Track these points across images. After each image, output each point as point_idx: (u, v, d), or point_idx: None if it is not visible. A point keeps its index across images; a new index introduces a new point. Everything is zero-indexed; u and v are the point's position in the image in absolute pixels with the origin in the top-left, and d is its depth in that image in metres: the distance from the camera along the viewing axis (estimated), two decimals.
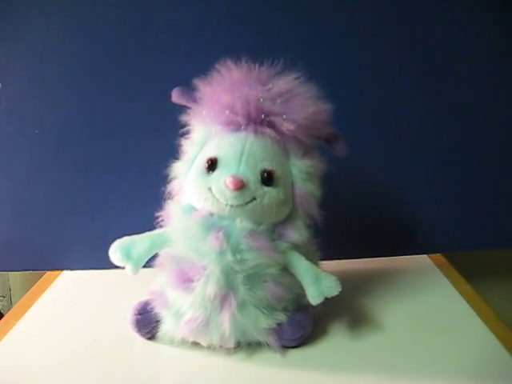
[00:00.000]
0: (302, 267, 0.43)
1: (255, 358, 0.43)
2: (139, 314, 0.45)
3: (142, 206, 0.61)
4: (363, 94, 0.61)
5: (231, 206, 0.40)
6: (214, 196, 0.40)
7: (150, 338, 0.46)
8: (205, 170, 0.41)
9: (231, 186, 0.38)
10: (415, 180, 0.64)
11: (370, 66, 0.60)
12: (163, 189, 0.45)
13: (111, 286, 0.58)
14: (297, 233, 0.42)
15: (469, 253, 0.67)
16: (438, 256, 0.65)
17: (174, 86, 0.45)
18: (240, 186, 0.38)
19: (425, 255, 0.65)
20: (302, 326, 0.44)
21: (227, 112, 0.40)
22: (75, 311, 0.53)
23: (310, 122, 0.41)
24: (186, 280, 0.40)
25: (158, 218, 0.45)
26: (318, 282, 0.42)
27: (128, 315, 0.45)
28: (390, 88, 0.61)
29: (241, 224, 0.40)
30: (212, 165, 0.41)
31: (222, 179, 0.39)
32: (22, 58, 0.59)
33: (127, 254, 0.43)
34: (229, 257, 0.38)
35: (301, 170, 0.42)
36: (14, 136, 0.60)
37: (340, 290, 0.43)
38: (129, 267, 0.43)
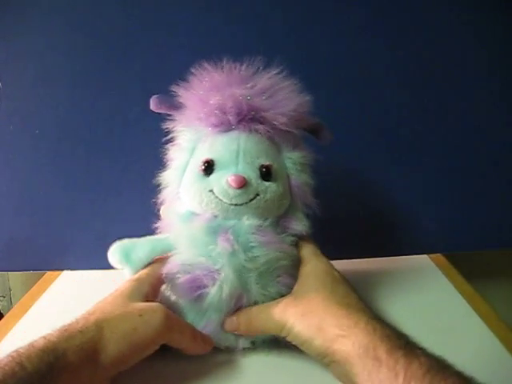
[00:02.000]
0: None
1: (272, 355, 0.43)
2: None
3: (142, 207, 0.61)
4: (362, 95, 0.61)
5: (235, 204, 0.40)
6: (216, 197, 0.40)
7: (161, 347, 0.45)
8: (201, 173, 0.41)
9: (234, 185, 0.38)
10: (415, 180, 0.64)
11: (370, 67, 0.60)
12: (157, 197, 0.45)
13: (111, 286, 0.57)
14: (300, 224, 0.43)
15: (469, 253, 0.67)
16: (438, 256, 0.65)
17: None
18: (243, 183, 0.39)
19: (425, 255, 0.65)
20: None
21: (217, 113, 0.40)
22: (75, 311, 0.53)
23: (297, 114, 0.42)
24: (199, 287, 0.39)
25: (156, 229, 0.44)
26: None
27: None
28: (389, 88, 0.61)
29: (248, 221, 0.40)
30: (209, 167, 0.41)
31: (224, 179, 0.39)
32: (22, 57, 0.59)
33: (126, 257, 0.42)
34: (241, 256, 0.38)
35: (294, 162, 0.43)
36: (14, 136, 0.60)
37: None
38: (127, 270, 0.43)
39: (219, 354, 0.43)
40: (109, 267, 0.43)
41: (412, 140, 0.63)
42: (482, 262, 0.72)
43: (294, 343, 0.38)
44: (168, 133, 0.44)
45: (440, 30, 0.60)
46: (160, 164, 0.45)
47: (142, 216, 0.60)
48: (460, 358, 0.43)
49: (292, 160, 0.43)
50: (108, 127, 0.61)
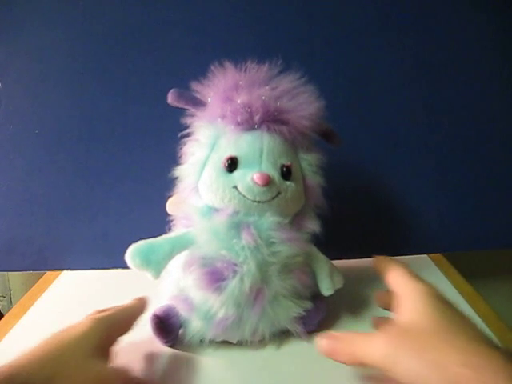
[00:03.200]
0: (320, 260, 0.46)
1: (284, 347, 0.45)
2: (163, 322, 0.44)
3: (141, 207, 0.62)
4: (365, 96, 0.61)
5: (258, 201, 0.41)
6: (240, 194, 0.41)
7: (171, 346, 0.45)
8: (225, 170, 0.41)
9: (259, 182, 0.39)
10: (415, 180, 0.64)
11: (371, 67, 0.60)
12: (163, 189, 0.45)
13: (111, 286, 0.58)
14: (313, 222, 0.45)
15: (469, 253, 0.67)
16: (438, 256, 0.65)
17: (176, 87, 0.44)
18: (268, 181, 0.40)
19: (425, 255, 0.65)
20: (322, 309, 0.47)
21: (243, 111, 0.41)
22: (75, 311, 0.53)
23: (316, 118, 0.43)
24: (218, 279, 0.40)
25: (170, 222, 0.45)
26: (332, 274, 0.46)
27: (148, 324, 0.44)
28: (391, 89, 0.61)
29: (269, 218, 0.41)
30: (232, 164, 0.41)
31: (249, 176, 0.40)
32: (22, 58, 0.59)
33: (147, 260, 0.41)
34: (264, 250, 0.40)
35: (310, 164, 0.44)
36: (14, 136, 0.60)
37: (343, 282, 0.47)
38: (149, 273, 0.41)
39: (231, 348, 0.44)
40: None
41: (412, 140, 0.63)
42: (482, 261, 0.72)
43: (402, 381, 0.30)
44: (175, 129, 0.44)
45: (445, 32, 0.60)
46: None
47: (142, 216, 0.60)
48: None
49: (308, 161, 0.44)
50: (108, 127, 0.61)
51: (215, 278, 0.40)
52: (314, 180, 0.45)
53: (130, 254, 0.41)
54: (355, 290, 0.54)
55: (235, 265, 0.40)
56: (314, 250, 0.46)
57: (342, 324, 0.49)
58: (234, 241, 0.40)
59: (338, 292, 0.47)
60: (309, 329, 0.46)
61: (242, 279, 0.39)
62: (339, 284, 0.47)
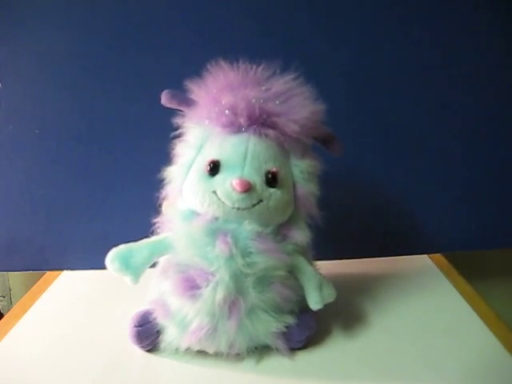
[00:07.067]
0: (308, 272, 0.43)
1: (263, 362, 0.43)
2: (139, 326, 0.43)
3: (141, 206, 0.61)
4: (364, 96, 0.61)
5: (238, 208, 0.39)
6: (219, 199, 0.39)
7: (149, 350, 0.44)
8: (207, 173, 0.40)
9: (238, 189, 0.37)
10: (415, 180, 0.64)
11: (371, 67, 0.60)
12: (160, 192, 0.45)
13: (111, 286, 0.58)
14: (301, 233, 0.42)
15: (469, 253, 0.67)
16: (438, 256, 0.65)
17: (176, 87, 0.44)
18: (247, 188, 0.38)
19: (425, 255, 0.65)
20: (308, 326, 0.44)
21: (228, 113, 0.39)
22: (75, 311, 0.53)
23: (310, 122, 0.40)
24: (192, 287, 0.39)
25: (154, 224, 0.44)
26: (321, 288, 0.43)
27: (127, 323, 0.43)
28: (390, 89, 0.61)
29: (248, 227, 0.39)
30: (214, 168, 0.40)
31: (228, 182, 0.38)
32: (22, 57, 0.59)
33: (126, 264, 0.41)
34: (239, 261, 0.38)
35: (302, 171, 0.42)
36: (14, 136, 0.60)
37: (335, 296, 0.44)
38: (128, 278, 0.41)
39: (207, 358, 0.43)
40: None
41: (413, 141, 0.63)
42: (482, 261, 0.72)
43: None
44: (173, 129, 0.44)
45: (446, 32, 0.60)
46: (160, 164, 0.45)
47: (141, 216, 0.60)
48: (460, 358, 0.43)
49: (299, 168, 0.42)
50: (108, 127, 0.61)
51: (189, 285, 0.39)
52: (306, 188, 0.42)
53: (109, 258, 0.41)
54: (352, 300, 0.53)
55: (208, 273, 0.38)
56: (301, 261, 0.43)
57: (332, 342, 0.46)
58: (208, 248, 0.38)
59: (331, 304, 0.44)
60: (293, 345, 0.44)
61: (214, 289, 0.38)
62: (330, 298, 0.44)
